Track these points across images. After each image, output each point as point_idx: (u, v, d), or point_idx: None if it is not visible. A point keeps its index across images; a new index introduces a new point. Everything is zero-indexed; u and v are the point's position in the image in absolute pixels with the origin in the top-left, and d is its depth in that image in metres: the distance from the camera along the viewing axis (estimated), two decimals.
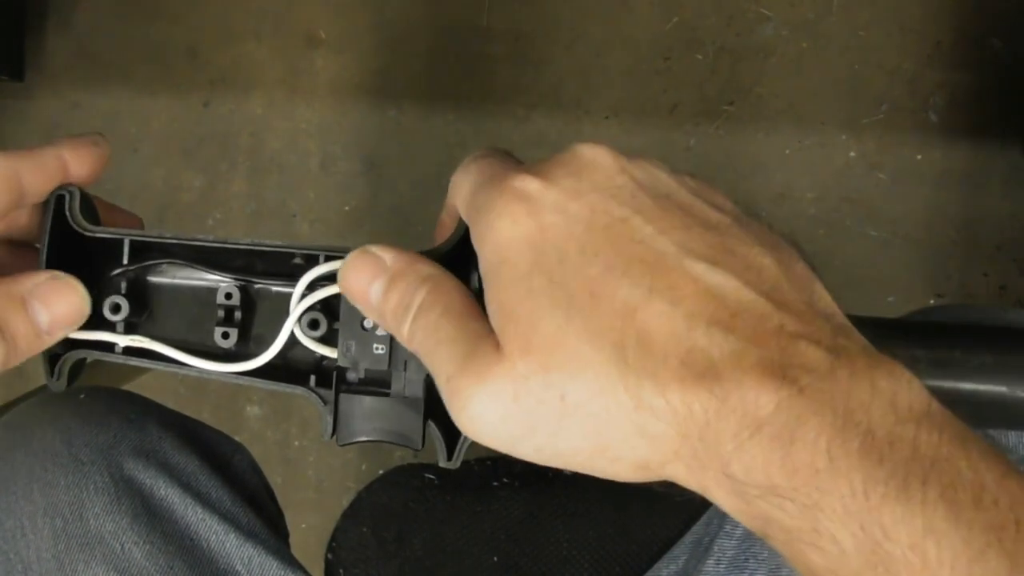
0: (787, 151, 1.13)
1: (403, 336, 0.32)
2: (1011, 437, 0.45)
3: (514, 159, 0.34)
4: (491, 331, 0.29)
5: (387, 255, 0.33)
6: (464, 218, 0.33)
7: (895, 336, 0.36)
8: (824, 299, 0.29)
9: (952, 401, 0.35)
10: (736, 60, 1.14)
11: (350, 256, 0.34)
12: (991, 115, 1.12)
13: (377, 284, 0.33)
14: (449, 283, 0.32)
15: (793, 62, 1.13)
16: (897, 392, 0.26)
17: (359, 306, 0.34)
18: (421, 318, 0.31)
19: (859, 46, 1.13)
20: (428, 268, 0.33)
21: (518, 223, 0.30)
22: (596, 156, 0.31)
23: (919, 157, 1.12)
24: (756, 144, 1.13)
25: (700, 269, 0.28)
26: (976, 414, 0.36)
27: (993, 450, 0.26)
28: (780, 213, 1.12)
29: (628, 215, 0.29)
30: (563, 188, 0.30)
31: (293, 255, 0.36)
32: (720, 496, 0.27)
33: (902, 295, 1.10)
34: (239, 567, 0.51)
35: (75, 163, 0.36)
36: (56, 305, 0.34)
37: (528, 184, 0.30)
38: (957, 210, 1.11)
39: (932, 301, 1.11)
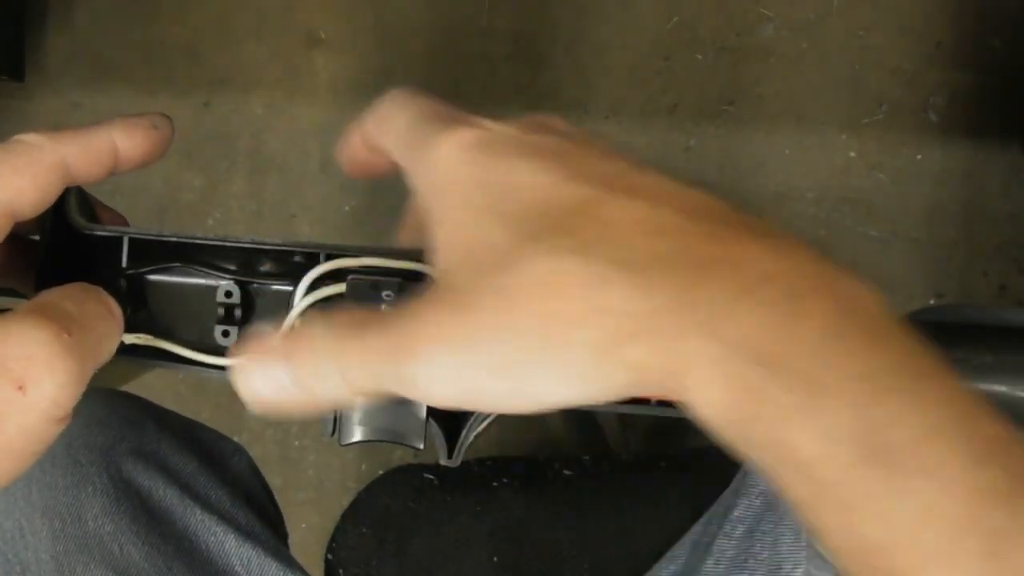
0: (787, 151, 1.13)
1: (352, 389, 0.27)
2: None
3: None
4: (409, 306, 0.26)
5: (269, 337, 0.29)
6: (398, 157, 0.30)
7: None
8: None
9: None
10: (736, 60, 1.13)
11: (233, 363, 0.30)
12: (991, 115, 1.12)
13: (274, 375, 0.29)
14: (340, 314, 0.28)
15: (793, 62, 1.13)
16: (881, 299, 0.24)
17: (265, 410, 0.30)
18: (341, 358, 0.27)
19: (859, 46, 1.13)
20: (310, 328, 0.28)
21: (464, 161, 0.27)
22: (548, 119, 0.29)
23: (919, 157, 1.12)
24: (756, 144, 1.13)
25: (658, 180, 0.26)
26: None
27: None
28: (780, 213, 1.12)
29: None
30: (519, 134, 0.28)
31: (293, 253, 0.36)
32: (698, 372, 0.23)
33: (902, 295, 1.10)
34: (238, 568, 0.51)
35: (127, 147, 0.34)
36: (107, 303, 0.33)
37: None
38: (957, 210, 1.11)
39: (932, 301, 1.11)
